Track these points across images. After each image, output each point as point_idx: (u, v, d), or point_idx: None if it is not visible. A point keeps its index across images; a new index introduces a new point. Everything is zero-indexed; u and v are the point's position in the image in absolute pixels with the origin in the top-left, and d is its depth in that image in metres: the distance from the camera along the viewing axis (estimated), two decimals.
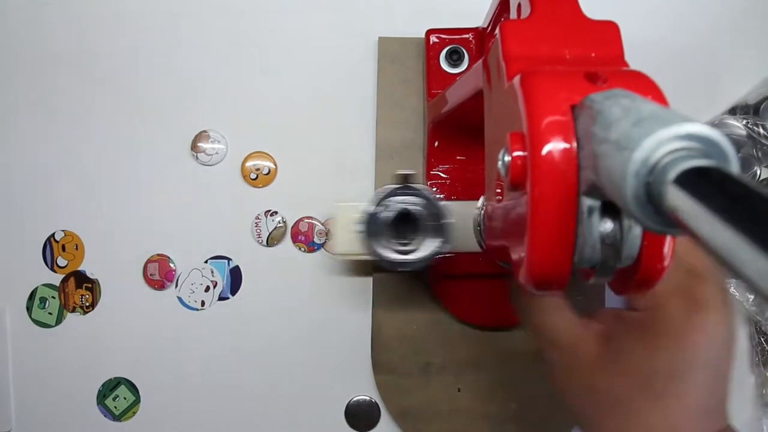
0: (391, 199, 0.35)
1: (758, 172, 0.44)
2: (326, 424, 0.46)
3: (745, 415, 0.47)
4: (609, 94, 0.19)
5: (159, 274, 0.47)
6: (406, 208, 0.35)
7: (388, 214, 0.35)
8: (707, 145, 0.15)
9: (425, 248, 0.36)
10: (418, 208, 0.35)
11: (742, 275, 0.12)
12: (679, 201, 0.14)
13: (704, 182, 0.14)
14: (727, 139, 0.15)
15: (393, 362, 0.45)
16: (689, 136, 0.15)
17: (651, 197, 0.15)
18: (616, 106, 0.17)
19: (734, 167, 0.15)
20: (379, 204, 0.35)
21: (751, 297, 0.45)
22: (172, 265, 0.47)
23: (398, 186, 0.36)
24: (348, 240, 0.40)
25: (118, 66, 0.48)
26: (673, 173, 0.14)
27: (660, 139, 0.15)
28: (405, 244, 0.35)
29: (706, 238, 0.13)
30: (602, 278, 0.21)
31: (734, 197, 0.13)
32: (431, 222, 0.36)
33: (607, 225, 0.20)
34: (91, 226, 0.47)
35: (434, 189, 0.43)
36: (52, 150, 0.48)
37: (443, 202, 0.36)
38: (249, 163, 0.47)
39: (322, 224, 0.47)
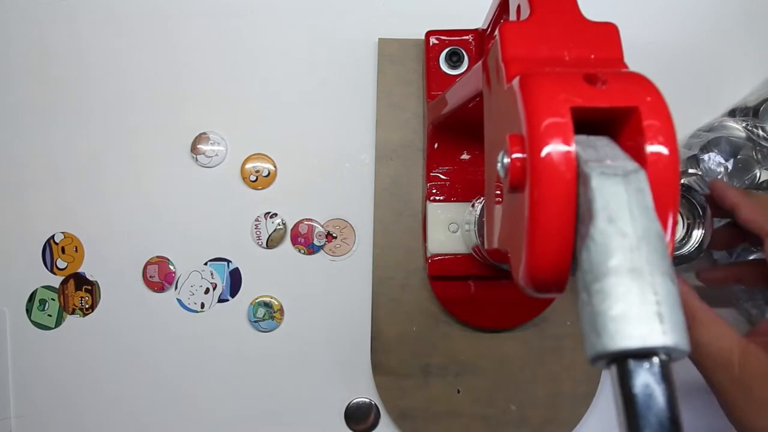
0: None
1: (758, 174, 0.44)
2: (326, 426, 0.46)
3: None
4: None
5: (158, 276, 0.47)
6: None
7: None
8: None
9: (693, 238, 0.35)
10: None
11: None
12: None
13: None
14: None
15: (392, 364, 0.45)
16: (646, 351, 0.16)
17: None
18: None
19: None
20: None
21: (751, 300, 0.45)
22: (171, 267, 0.47)
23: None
24: (443, 239, 0.42)
25: (117, 67, 0.48)
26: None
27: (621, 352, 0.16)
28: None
29: None
30: None
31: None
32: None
33: None
34: (90, 228, 0.47)
35: (435, 191, 0.43)
36: (51, 152, 0.48)
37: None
38: (249, 165, 0.47)
39: (322, 226, 0.47)
